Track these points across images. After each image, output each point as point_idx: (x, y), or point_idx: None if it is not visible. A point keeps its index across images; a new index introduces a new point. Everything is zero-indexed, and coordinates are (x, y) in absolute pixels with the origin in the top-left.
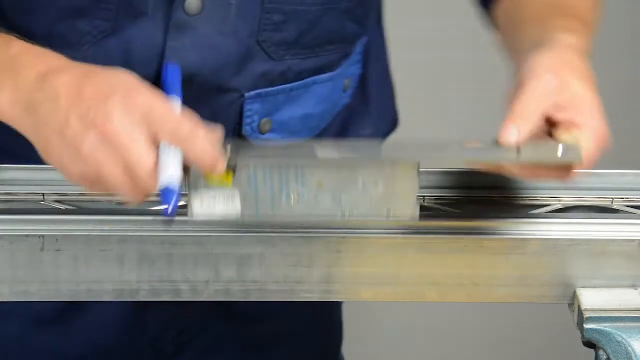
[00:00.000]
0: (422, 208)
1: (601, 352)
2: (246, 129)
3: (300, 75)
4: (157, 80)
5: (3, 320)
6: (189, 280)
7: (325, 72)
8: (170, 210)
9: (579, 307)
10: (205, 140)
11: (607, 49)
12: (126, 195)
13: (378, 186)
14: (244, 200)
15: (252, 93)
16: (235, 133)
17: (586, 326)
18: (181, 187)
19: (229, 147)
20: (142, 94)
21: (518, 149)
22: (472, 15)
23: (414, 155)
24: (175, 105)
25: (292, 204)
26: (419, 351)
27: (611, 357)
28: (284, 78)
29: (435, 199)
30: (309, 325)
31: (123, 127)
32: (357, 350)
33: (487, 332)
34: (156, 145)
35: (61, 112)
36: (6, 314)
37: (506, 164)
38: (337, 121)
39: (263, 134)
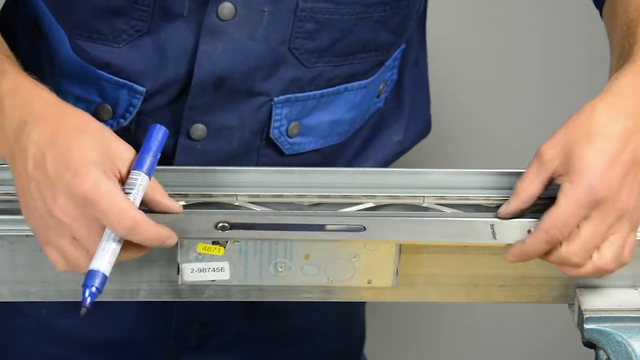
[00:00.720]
0: (422, 208)
1: (601, 352)
2: (274, 132)
3: (331, 82)
4: (188, 80)
5: (33, 303)
6: None
7: (358, 79)
8: (88, 301)
9: (579, 307)
10: (150, 229)
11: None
12: (76, 262)
13: (361, 259)
14: (233, 268)
15: (282, 97)
16: (263, 136)
17: (586, 326)
18: (105, 279)
19: (220, 224)
20: (90, 177)
21: (493, 232)
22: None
23: (396, 235)
24: (136, 178)
25: (280, 272)
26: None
27: (611, 357)
28: (315, 84)
29: (435, 199)
30: (332, 324)
31: (67, 210)
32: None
33: (485, 332)
34: (100, 226)
35: (27, 174)
36: None
37: (484, 245)
38: (368, 125)
39: (291, 138)
